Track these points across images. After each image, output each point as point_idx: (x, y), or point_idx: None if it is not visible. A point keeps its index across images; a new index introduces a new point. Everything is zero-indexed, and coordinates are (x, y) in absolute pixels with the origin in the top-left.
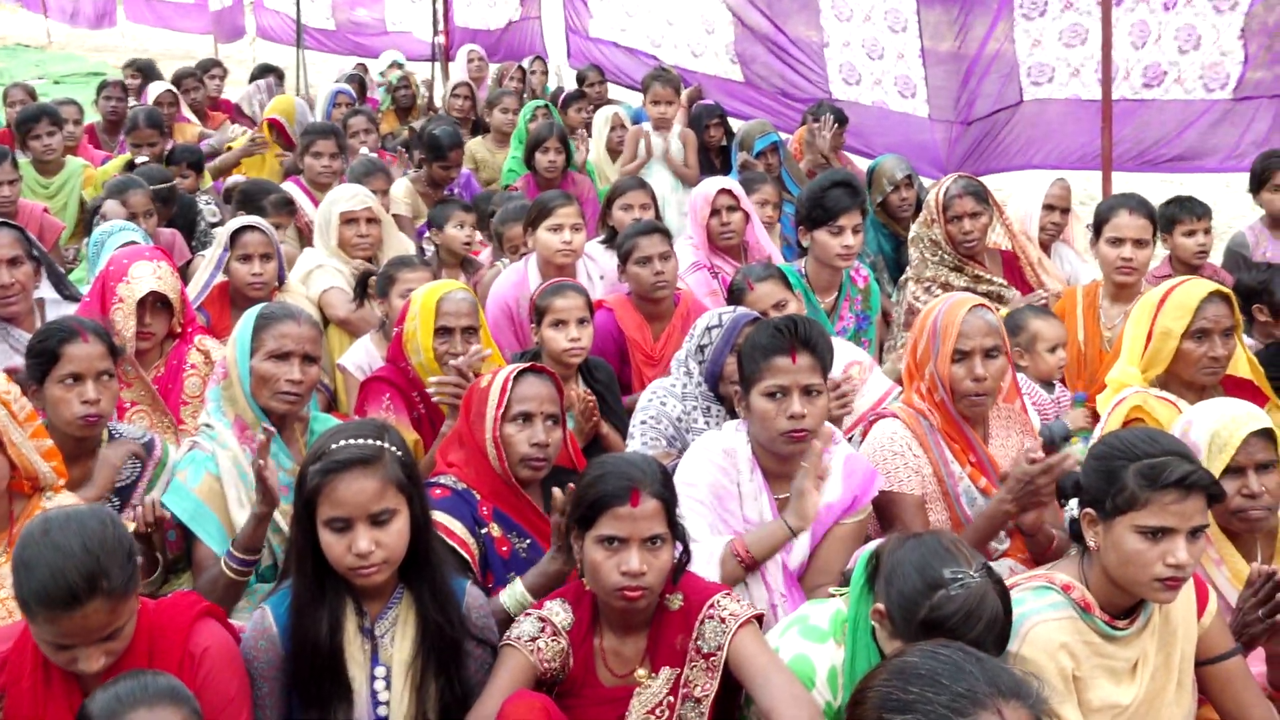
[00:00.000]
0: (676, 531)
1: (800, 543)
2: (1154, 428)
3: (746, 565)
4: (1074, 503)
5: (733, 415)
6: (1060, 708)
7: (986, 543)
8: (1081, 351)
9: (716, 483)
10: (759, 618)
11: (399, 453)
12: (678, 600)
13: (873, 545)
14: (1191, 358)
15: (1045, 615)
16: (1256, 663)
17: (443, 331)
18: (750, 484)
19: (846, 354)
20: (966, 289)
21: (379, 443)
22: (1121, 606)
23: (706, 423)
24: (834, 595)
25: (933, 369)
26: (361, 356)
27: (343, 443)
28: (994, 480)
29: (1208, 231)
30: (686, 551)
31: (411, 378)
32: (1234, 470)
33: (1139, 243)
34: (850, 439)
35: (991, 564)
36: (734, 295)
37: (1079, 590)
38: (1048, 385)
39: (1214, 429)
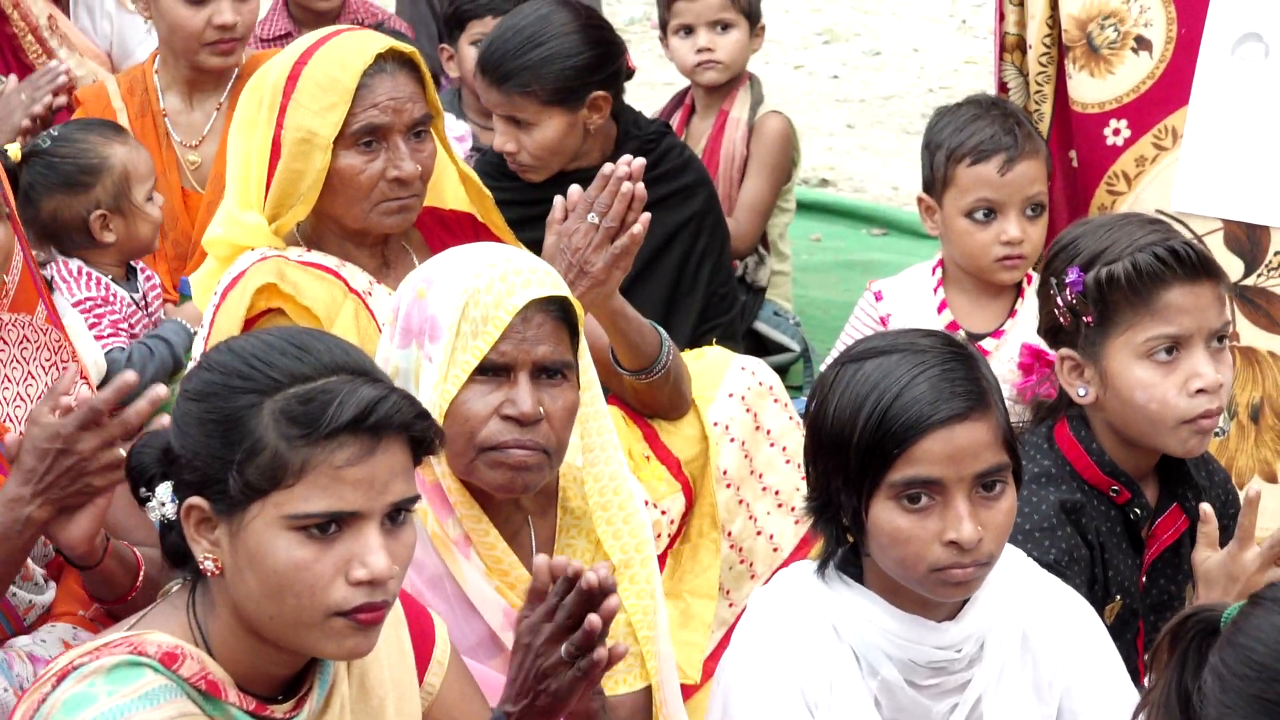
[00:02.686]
0: None
1: None
2: (300, 326)
3: None
4: (164, 490)
5: None
6: None
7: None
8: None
9: None
10: None
11: None
12: None
13: None
14: (356, 185)
15: (134, 718)
16: None
17: None
18: None
19: None
20: None
21: None
22: (279, 677)
23: None
24: None
25: None
26: None
27: None
28: None
29: None
30: None
31: None
32: (495, 369)
33: None
34: None
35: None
36: None
37: (195, 659)
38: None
39: (470, 288)
